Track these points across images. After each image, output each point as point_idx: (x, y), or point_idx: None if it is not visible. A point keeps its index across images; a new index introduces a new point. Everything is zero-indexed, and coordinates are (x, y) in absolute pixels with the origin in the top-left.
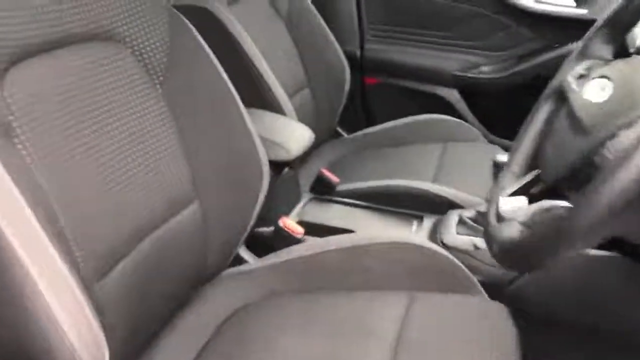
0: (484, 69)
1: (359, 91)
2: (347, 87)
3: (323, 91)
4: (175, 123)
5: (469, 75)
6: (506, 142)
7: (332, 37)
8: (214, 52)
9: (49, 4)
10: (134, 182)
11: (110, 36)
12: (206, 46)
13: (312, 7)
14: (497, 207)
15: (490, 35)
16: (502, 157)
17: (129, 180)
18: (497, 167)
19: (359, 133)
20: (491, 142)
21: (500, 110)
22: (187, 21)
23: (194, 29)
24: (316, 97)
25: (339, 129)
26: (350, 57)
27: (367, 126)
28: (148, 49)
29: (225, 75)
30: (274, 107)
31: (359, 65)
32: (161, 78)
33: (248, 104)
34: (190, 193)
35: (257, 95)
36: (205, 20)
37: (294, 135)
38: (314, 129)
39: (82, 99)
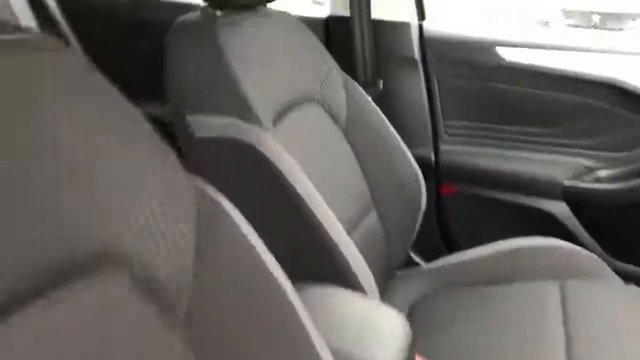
0: (601, 174)
1: (434, 204)
2: (423, 203)
3: (393, 211)
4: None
5: (582, 185)
6: (637, 269)
7: (399, 141)
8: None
9: None
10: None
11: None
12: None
13: (376, 108)
14: None
15: (608, 132)
16: None
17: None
18: None
19: (440, 263)
20: (618, 271)
21: (624, 228)
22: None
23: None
24: (385, 220)
25: (413, 255)
26: (421, 163)
27: (447, 250)
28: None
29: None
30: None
31: (432, 171)
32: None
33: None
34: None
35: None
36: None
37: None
38: (385, 260)
39: None
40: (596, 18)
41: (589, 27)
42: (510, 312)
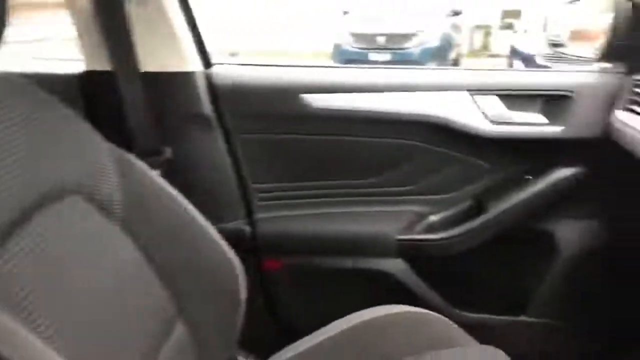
0: (433, 219)
1: (258, 284)
2: (243, 291)
3: (207, 314)
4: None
5: (415, 237)
6: (484, 316)
7: (201, 221)
8: None
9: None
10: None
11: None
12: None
13: (164, 184)
14: None
15: (433, 173)
16: None
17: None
18: None
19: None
20: (466, 323)
21: (463, 276)
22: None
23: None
24: (198, 330)
25: (241, 358)
26: (236, 241)
27: (283, 339)
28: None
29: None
30: None
31: (250, 246)
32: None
33: None
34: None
35: None
36: None
37: None
38: None
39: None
40: (381, 39)
41: (375, 48)
42: None
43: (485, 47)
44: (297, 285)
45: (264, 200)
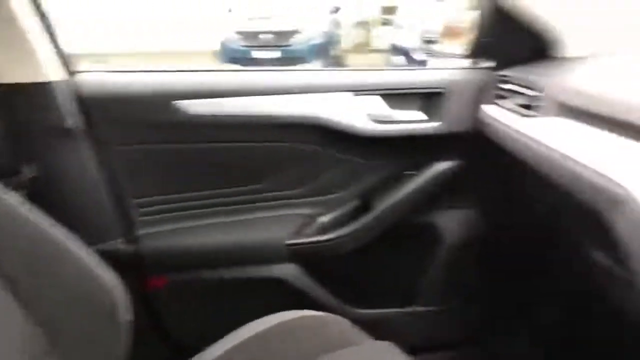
0: (323, 220)
1: (144, 305)
2: (123, 314)
3: (84, 347)
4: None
5: (305, 240)
6: (379, 311)
7: (73, 243)
8: None
9: None
10: None
11: None
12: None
13: (28, 206)
14: None
15: (319, 174)
16: None
17: None
18: None
19: None
20: (361, 319)
21: (355, 274)
22: None
23: None
24: None
25: None
26: (116, 261)
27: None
28: None
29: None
30: None
31: (133, 265)
32: None
33: None
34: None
35: None
36: None
37: None
38: None
39: None
40: (266, 37)
41: (261, 46)
42: None
43: (366, 42)
44: (186, 301)
45: (146, 215)
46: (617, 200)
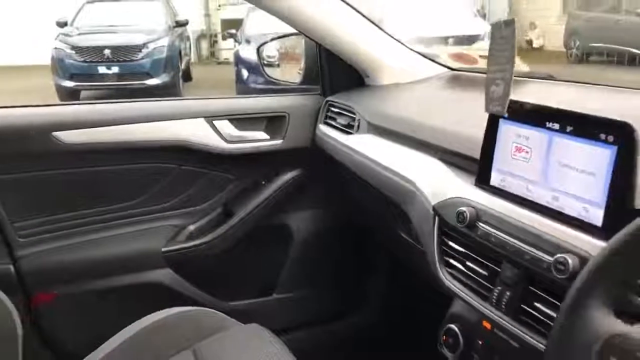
0: (192, 228)
1: (32, 319)
2: (17, 330)
3: None
4: None
5: (178, 246)
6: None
7: None
8: None
9: None
10: None
11: None
12: None
13: None
14: None
15: (185, 189)
16: None
17: None
18: None
19: None
20: (233, 311)
21: (225, 271)
22: None
23: None
24: None
25: None
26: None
27: None
28: None
29: None
30: None
31: (16, 287)
32: None
33: None
34: None
35: None
36: None
37: None
38: None
39: None
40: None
41: (104, 61)
42: None
43: (212, 55)
44: (73, 313)
45: (26, 237)
46: (408, 194)
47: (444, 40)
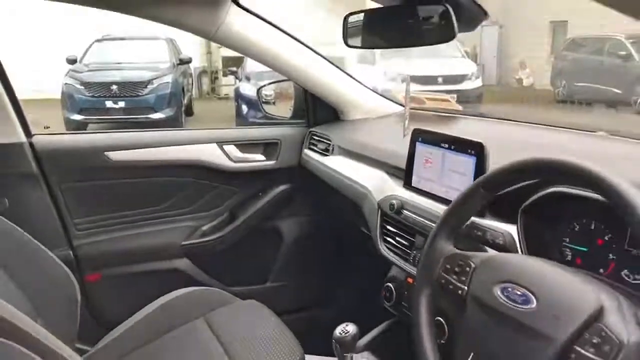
0: (205, 229)
1: (82, 294)
2: (77, 296)
3: (53, 310)
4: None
5: (194, 241)
6: (245, 288)
7: (40, 246)
8: None
9: None
10: None
11: None
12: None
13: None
14: None
15: (201, 198)
16: None
17: None
18: None
19: (98, 346)
20: (236, 294)
21: (230, 263)
22: None
23: None
24: (46, 321)
25: (80, 345)
26: (64, 261)
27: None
28: None
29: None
30: None
31: (74, 267)
32: None
33: None
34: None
35: None
36: None
37: None
38: None
39: None
40: (115, 88)
41: (110, 97)
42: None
43: (213, 90)
44: (113, 289)
45: (82, 230)
46: (363, 195)
47: (435, 79)
